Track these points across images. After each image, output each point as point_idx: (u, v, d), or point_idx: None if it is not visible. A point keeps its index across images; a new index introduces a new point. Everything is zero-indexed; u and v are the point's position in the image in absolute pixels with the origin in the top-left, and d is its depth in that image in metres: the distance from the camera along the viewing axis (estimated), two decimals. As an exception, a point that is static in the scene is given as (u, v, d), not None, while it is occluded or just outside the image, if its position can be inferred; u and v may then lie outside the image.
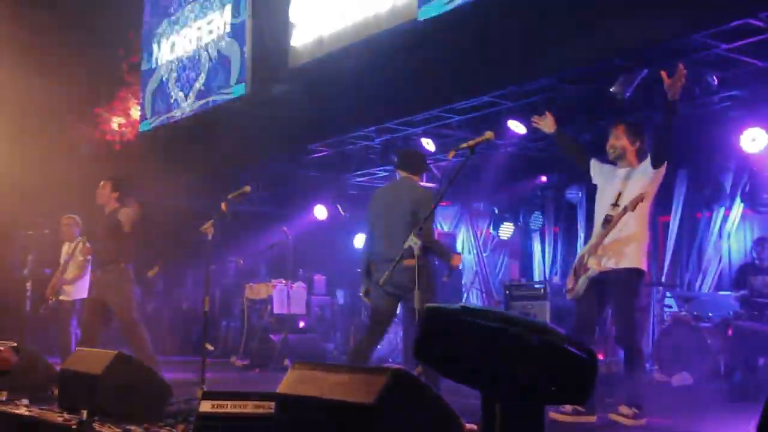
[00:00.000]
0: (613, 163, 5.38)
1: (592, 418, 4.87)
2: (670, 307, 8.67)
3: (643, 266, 5.13)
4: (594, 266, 5.06)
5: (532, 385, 2.51)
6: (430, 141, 9.62)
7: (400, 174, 5.77)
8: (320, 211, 12.36)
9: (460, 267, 11.22)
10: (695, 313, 8.15)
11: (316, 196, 12.18)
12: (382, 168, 10.75)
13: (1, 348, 5.38)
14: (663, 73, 4.82)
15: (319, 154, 10.84)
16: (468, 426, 3.35)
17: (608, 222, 5.10)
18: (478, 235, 12.12)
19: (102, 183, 7.43)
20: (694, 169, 9.37)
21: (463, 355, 2.59)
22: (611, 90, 7.12)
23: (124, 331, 7.06)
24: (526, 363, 2.50)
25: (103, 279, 7.18)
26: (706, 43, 6.28)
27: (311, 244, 12.14)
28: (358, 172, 11.21)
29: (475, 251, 12.05)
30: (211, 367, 7.73)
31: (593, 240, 5.24)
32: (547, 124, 5.61)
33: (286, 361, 9.93)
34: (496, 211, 11.40)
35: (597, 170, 5.44)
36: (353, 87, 8.62)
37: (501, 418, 2.50)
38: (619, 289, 5.05)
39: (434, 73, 7.92)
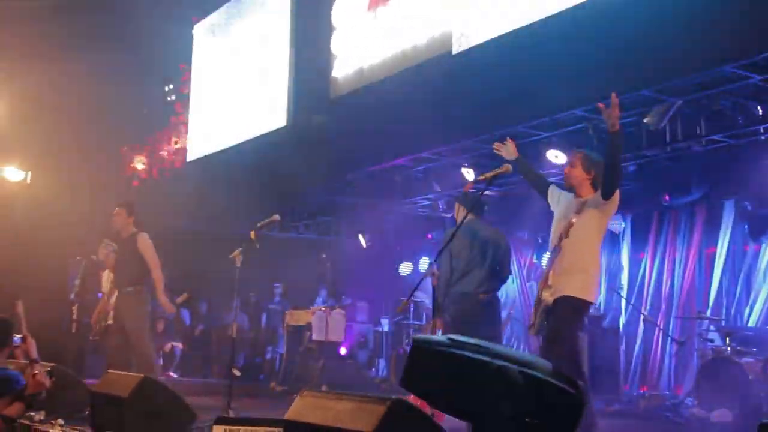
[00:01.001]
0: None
1: None
2: (713, 341, 8.46)
3: (585, 296, 4.95)
4: (547, 297, 4.93)
5: (517, 419, 2.51)
6: (470, 171, 9.62)
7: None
8: (362, 239, 12.41)
9: (502, 298, 11.14)
10: (738, 348, 7.94)
11: (358, 224, 12.25)
12: (423, 197, 10.79)
13: (36, 372, 5.54)
14: (599, 105, 4.74)
15: (360, 182, 10.93)
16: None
17: (556, 252, 4.99)
18: (522, 264, 12.03)
19: (116, 209, 7.66)
20: (742, 200, 9.17)
21: (449, 387, 2.60)
22: (644, 120, 7.06)
23: (136, 354, 7.29)
24: (511, 397, 2.50)
25: (122, 302, 7.45)
26: (740, 74, 6.17)
27: (352, 272, 12.21)
28: (402, 200, 11.26)
29: (518, 280, 11.97)
30: (251, 391, 7.85)
31: (545, 271, 5.15)
32: (508, 150, 5.47)
33: (324, 388, 9.98)
34: (540, 240, 11.31)
35: (555, 199, 5.33)
36: (392, 117, 8.70)
37: (485, 451, 2.50)
38: (552, 316, 4.92)
39: (472, 104, 7.97)
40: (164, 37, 12.63)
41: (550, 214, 10.39)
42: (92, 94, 13.40)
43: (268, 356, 12.87)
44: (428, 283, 5.92)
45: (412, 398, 4.01)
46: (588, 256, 5.00)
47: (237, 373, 6.74)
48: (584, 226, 4.92)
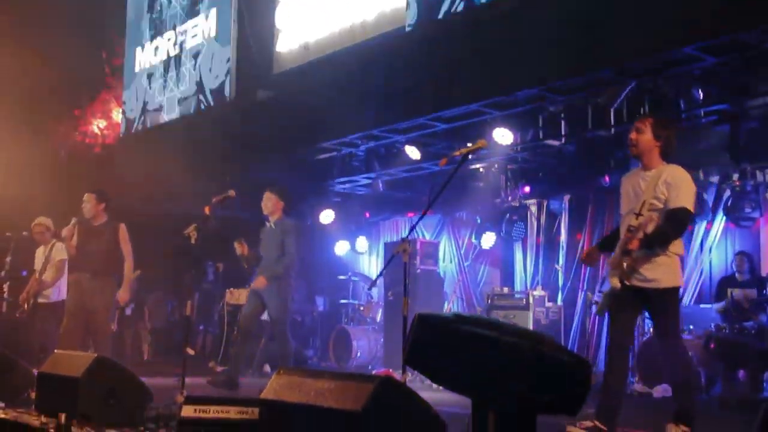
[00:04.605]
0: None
1: None
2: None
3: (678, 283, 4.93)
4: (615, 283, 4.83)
5: (525, 395, 2.48)
6: (414, 149, 9.60)
7: None
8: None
9: (442, 275, 11.22)
10: (677, 325, 8.15)
11: (299, 203, 12.10)
12: (364, 176, 10.70)
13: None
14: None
15: (301, 160, 10.78)
16: (456, 435, 3.32)
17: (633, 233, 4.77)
18: (460, 244, 12.11)
19: (86, 196, 7.63)
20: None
21: (455, 364, 2.55)
22: (598, 101, 7.14)
23: (96, 336, 7.48)
24: (520, 372, 2.47)
25: (93, 286, 7.44)
26: (695, 56, 6.29)
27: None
28: (340, 179, 11.15)
29: (456, 260, 12.05)
30: (190, 371, 7.67)
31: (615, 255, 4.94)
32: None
33: (266, 367, 9.86)
34: (479, 221, 11.40)
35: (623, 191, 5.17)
36: (338, 94, 8.59)
37: (493, 427, 2.47)
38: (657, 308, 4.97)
39: (421, 82, 7.91)
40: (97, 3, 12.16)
41: (489, 194, 10.59)
42: (18, 64, 12.85)
43: (201, 336, 12.63)
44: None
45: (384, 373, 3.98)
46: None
47: (191, 352, 6.57)
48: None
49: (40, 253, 8.49)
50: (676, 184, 4.72)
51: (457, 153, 4.45)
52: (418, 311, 2.90)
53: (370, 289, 4.64)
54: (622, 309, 4.87)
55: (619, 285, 4.72)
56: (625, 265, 4.70)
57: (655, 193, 4.74)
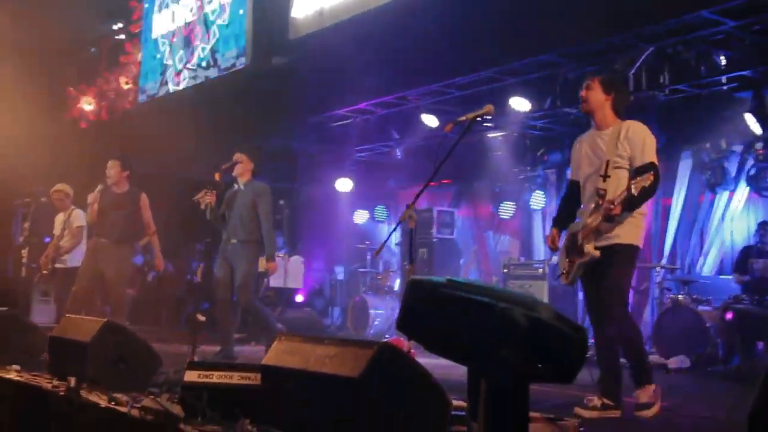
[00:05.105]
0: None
1: (618, 413, 4.57)
2: (670, 290, 8.58)
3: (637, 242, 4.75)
4: (591, 250, 4.65)
5: (518, 362, 2.43)
6: (432, 117, 9.51)
7: None
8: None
9: (460, 245, 11.16)
10: (695, 296, 8.06)
11: (317, 171, 12.08)
12: (382, 143, 10.64)
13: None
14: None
15: (319, 127, 10.72)
16: (457, 402, 3.29)
17: (598, 196, 4.65)
18: (479, 213, 12.03)
19: (110, 162, 7.63)
20: (699, 151, 9.24)
21: (447, 330, 2.51)
22: (614, 67, 7.01)
23: (113, 302, 7.58)
24: (513, 339, 2.42)
25: (110, 252, 7.48)
26: (713, 20, 6.13)
27: (310, 220, 12.06)
28: (358, 147, 11.09)
29: (475, 229, 11.98)
30: (208, 339, 7.72)
31: (584, 221, 4.81)
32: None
33: (301, 334, 9.89)
34: (497, 190, 11.31)
35: (575, 152, 5.02)
36: (353, 60, 8.49)
37: (485, 395, 2.42)
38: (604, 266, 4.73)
39: (436, 47, 7.80)
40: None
41: (508, 163, 10.49)
42: (33, 33, 12.87)
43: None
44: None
45: (394, 341, 3.95)
46: None
47: (201, 318, 6.58)
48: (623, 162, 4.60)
49: (59, 220, 8.58)
50: (637, 140, 4.58)
51: (463, 118, 4.35)
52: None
53: (375, 256, 4.59)
54: (594, 279, 4.70)
55: (597, 253, 4.56)
56: (600, 229, 4.56)
57: (618, 150, 4.59)
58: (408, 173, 11.99)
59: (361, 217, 13.05)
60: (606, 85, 4.73)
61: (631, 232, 4.62)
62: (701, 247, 9.39)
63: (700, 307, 7.87)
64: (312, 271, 11.88)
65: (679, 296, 8.05)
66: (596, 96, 4.72)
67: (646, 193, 4.39)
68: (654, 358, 7.90)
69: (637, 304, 9.42)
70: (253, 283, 7.20)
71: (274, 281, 10.24)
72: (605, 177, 4.59)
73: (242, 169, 7.17)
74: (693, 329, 7.61)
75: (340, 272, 12.93)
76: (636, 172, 4.45)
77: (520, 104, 8.47)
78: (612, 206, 4.43)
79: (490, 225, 11.92)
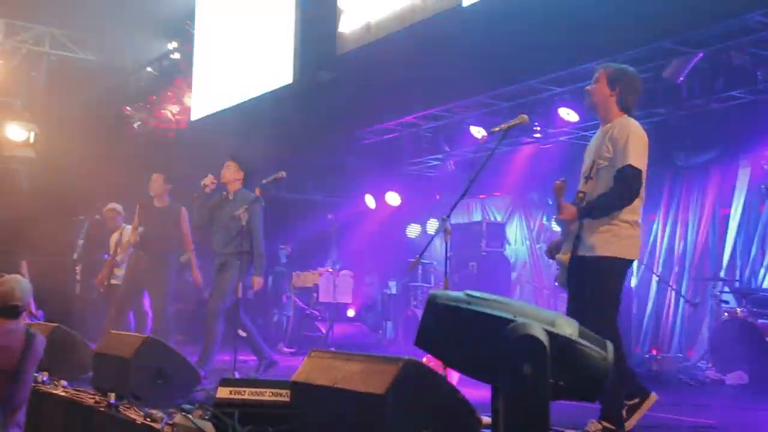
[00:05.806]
0: None
1: None
2: (728, 302, 8.29)
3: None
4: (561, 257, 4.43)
5: (537, 379, 2.35)
6: (480, 129, 9.42)
7: None
8: (370, 201, 12.23)
9: (512, 260, 11.00)
10: (754, 309, 7.77)
11: (367, 185, 12.08)
12: (433, 156, 10.59)
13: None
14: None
15: (368, 142, 10.73)
16: (485, 419, 3.21)
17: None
18: (532, 226, 11.86)
19: (154, 176, 7.83)
20: (758, 159, 8.95)
21: (466, 346, 2.45)
22: (664, 75, 6.83)
23: (154, 317, 7.72)
24: (532, 355, 2.34)
25: (149, 266, 7.60)
26: (764, 23, 5.93)
27: (362, 234, 12.04)
28: (409, 161, 11.06)
29: (528, 242, 11.81)
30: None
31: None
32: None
33: (332, 350, 9.89)
34: (551, 202, 11.12)
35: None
36: (400, 73, 8.48)
37: (504, 413, 2.35)
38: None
39: (481, 59, 7.72)
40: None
41: (560, 175, 10.31)
42: (95, 51, 13.22)
43: (275, 319, 12.76)
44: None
45: (425, 360, 3.87)
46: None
47: (242, 334, 6.59)
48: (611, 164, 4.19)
49: (113, 239, 8.76)
50: (619, 139, 4.14)
51: (497, 129, 4.28)
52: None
53: (410, 270, 4.53)
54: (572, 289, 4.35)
55: (565, 260, 4.23)
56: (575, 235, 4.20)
57: (601, 151, 4.21)
58: (459, 186, 11.86)
59: (414, 230, 12.98)
60: (612, 79, 4.31)
61: (608, 243, 4.14)
62: (762, 259, 9.06)
63: (760, 321, 7.58)
64: (363, 286, 11.85)
65: (738, 309, 7.77)
66: (601, 89, 4.33)
67: (603, 203, 4.06)
68: (710, 373, 7.66)
69: (694, 318, 9.14)
70: (228, 295, 6.68)
71: (324, 296, 10.27)
72: (587, 178, 4.28)
73: (230, 177, 6.82)
74: (752, 343, 7.33)
75: (393, 286, 12.87)
76: (614, 178, 4.10)
77: (568, 114, 8.33)
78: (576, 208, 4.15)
79: (543, 238, 11.73)
